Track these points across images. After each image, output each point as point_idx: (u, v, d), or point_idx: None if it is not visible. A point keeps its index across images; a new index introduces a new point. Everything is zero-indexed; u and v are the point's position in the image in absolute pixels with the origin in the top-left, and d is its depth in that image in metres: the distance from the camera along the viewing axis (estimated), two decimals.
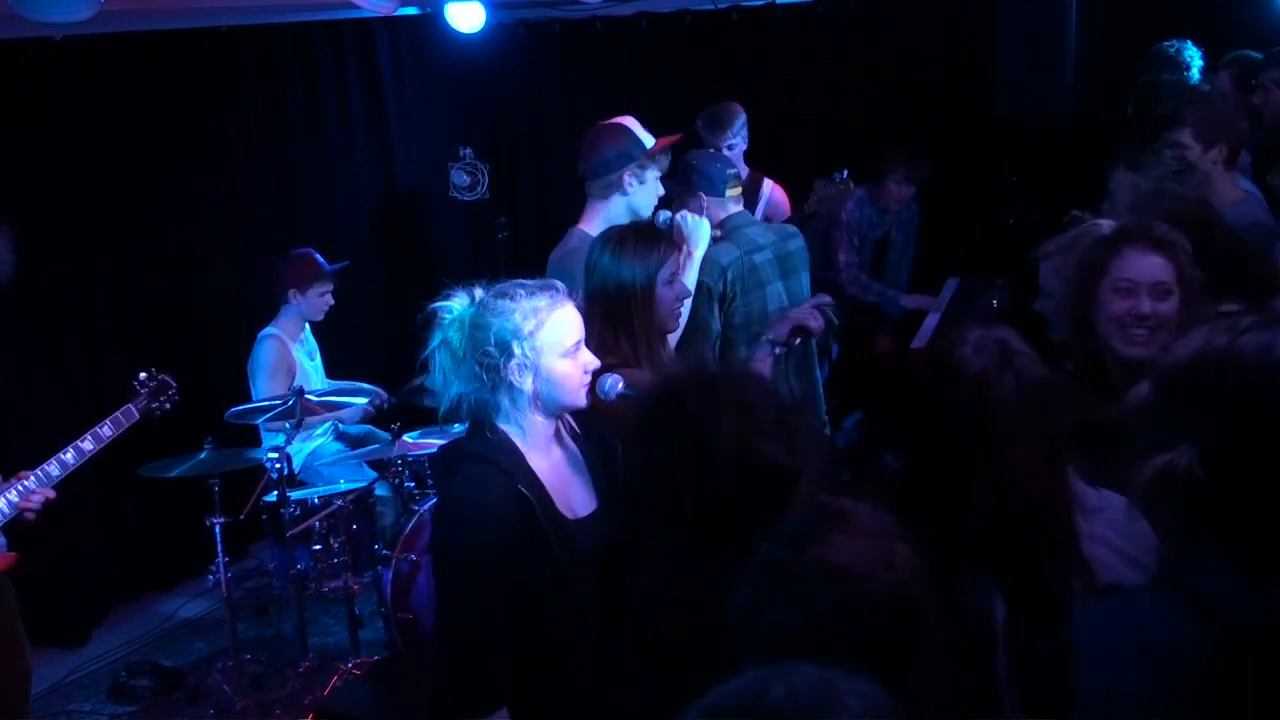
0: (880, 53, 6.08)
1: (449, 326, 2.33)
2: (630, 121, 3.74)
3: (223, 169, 5.86)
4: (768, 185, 5.28)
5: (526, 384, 2.32)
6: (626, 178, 3.65)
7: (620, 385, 2.57)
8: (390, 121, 6.64)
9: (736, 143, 5.14)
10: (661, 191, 3.75)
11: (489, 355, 2.29)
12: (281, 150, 6.14)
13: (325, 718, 3.91)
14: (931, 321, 5.33)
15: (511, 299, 2.33)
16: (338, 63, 6.38)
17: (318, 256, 5.06)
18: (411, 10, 6.39)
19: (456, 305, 2.34)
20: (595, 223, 3.65)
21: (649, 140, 3.70)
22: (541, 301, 2.34)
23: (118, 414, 3.79)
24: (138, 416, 3.86)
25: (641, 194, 3.68)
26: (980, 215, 5.70)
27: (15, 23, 4.30)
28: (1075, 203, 3.18)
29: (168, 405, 4.02)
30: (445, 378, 2.35)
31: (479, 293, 2.36)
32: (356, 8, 5.45)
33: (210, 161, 5.79)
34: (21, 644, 3.61)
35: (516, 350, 2.29)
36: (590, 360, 2.42)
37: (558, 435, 2.45)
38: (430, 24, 6.45)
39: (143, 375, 4.00)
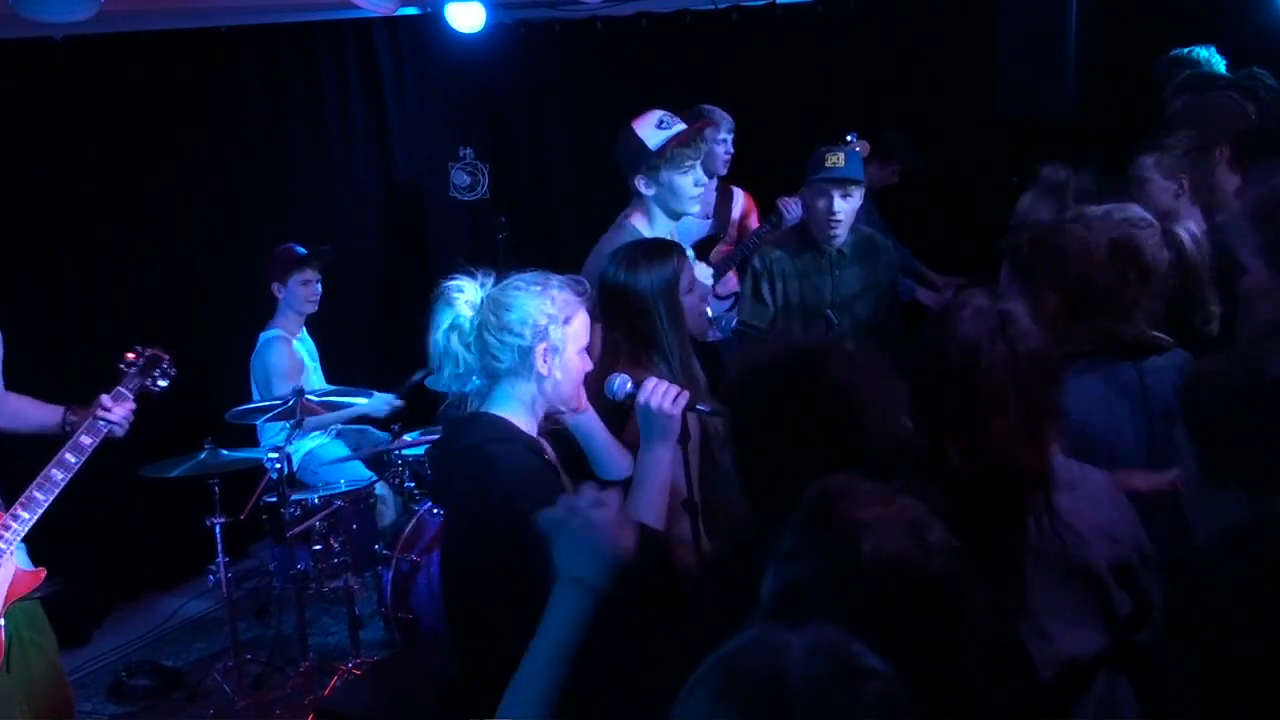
0: (881, 53, 6.08)
1: (462, 305, 2.34)
2: (644, 120, 3.59)
3: (223, 169, 5.86)
4: (740, 194, 5.27)
5: (554, 369, 2.36)
6: (638, 182, 3.55)
7: (629, 385, 2.58)
8: (390, 121, 6.64)
9: (728, 139, 5.11)
10: (704, 182, 3.60)
11: (520, 336, 2.32)
12: (281, 150, 6.14)
13: (325, 718, 3.90)
14: None
15: (544, 286, 2.36)
16: (338, 63, 6.38)
17: (296, 247, 5.05)
18: (411, 10, 6.39)
19: (468, 285, 2.36)
20: (638, 218, 3.60)
21: (657, 138, 3.53)
22: (572, 295, 2.39)
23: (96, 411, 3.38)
24: (131, 398, 3.47)
25: (665, 195, 3.55)
26: (980, 215, 5.70)
27: (15, 23, 4.30)
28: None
29: (164, 382, 3.63)
30: (449, 357, 2.36)
31: (486, 280, 2.38)
32: (356, 8, 5.45)
33: (210, 161, 5.79)
34: (64, 677, 3.49)
35: (554, 334, 2.34)
36: (589, 364, 2.47)
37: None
38: (430, 24, 6.45)
39: (129, 356, 3.61)
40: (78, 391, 5.20)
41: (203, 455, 4.36)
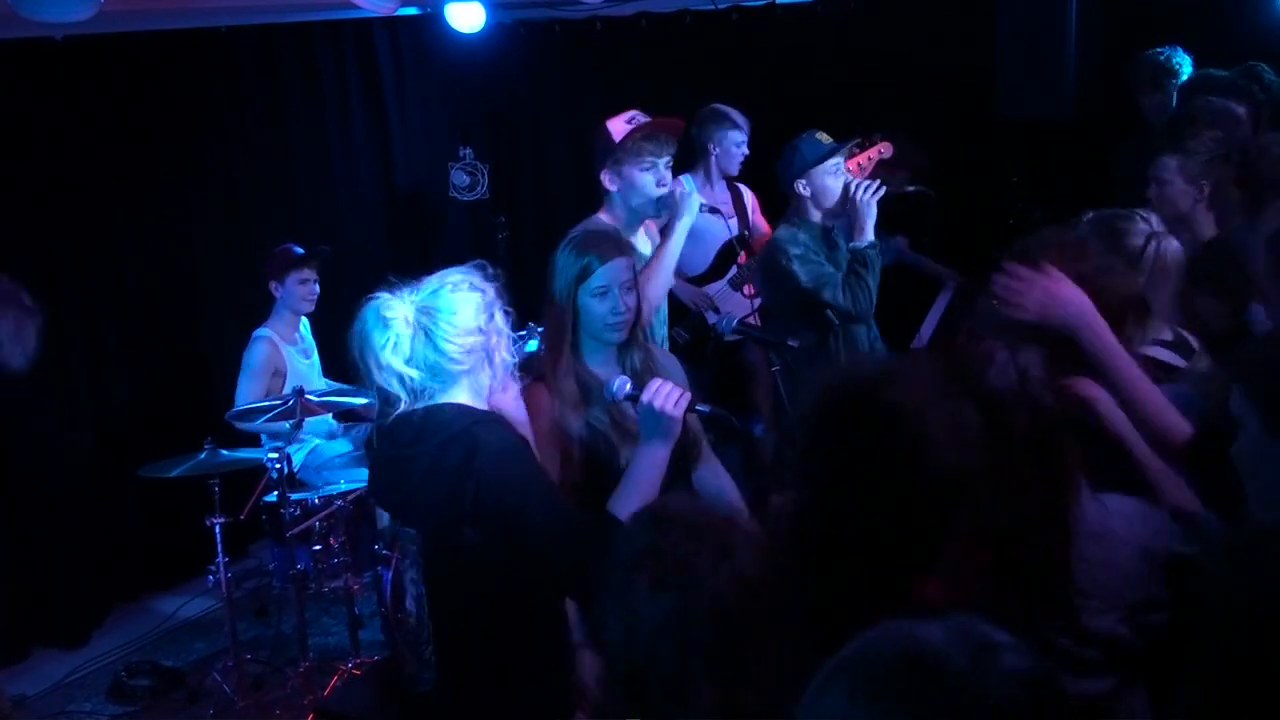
0: (880, 53, 6.08)
1: (400, 324, 2.36)
2: (617, 117, 3.61)
3: (222, 169, 5.86)
4: (747, 191, 5.26)
5: (502, 353, 2.42)
6: (604, 177, 3.59)
7: (629, 386, 2.58)
8: (390, 121, 6.63)
9: (744, 140, 5.13)
10: (667, 183, 3.58)
11: (474, 334, 2.36)
12: (281, 150, 6.14)
13: (325, 718, 3.91)
14: (931, 322, 5.32)
15: (470, 282, 2.41)
16: (338, 63, 6.38)
17: (294, 247, 5.06)
18: (411, 10, 6.39)
19: (396, 303, 2.39)
20: (604, 213, 3.65)
21: (622, 132, 3.55)
22: (487, 281, 2.45)
23: None
24: None
25: (627, 191, 3.56)
26: (980, 215, 5.70)
27: (15, 23, 4.31)
28: (1074, 202, 3.18)
29: None
30: (391, 374, 2.37)
31: (405, 291, 2.40)
32: (356, 8, 5.45)
33: (210, 162, 5.79)
34: None
35: (498, 320, 2.40)
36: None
37: None
38: (430, 24, 6.45)
39: None
40: (77, 392, 5.24)
41: (203, 455, 4.36)
